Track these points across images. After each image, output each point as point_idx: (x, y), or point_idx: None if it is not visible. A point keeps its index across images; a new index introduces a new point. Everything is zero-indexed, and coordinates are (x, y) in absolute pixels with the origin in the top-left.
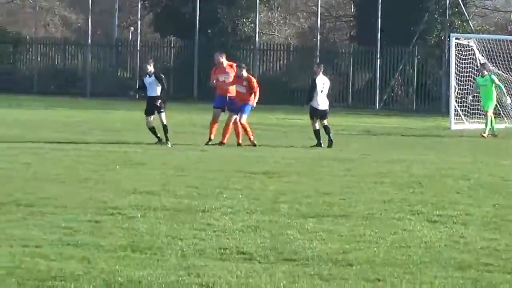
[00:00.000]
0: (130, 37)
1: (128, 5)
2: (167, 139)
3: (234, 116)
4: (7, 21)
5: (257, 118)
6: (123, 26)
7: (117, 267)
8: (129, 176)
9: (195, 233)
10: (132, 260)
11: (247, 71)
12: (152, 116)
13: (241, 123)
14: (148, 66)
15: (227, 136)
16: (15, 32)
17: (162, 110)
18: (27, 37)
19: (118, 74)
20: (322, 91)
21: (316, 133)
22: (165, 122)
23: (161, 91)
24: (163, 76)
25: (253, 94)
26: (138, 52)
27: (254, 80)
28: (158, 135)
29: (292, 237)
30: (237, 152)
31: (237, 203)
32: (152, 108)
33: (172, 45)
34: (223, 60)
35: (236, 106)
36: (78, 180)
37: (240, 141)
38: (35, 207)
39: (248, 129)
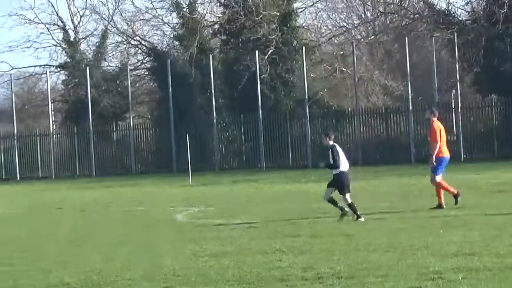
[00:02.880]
0: (453, 99)
1: (446, 67)
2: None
3: None
4: (328, 95)
5: None
6: (443, 89)
7: None
8: (452, 240)
9: None
10: None
11: None
12: None
13: None
14: None
15: None
16: (337, 105)
17: None
18: (349, 109)
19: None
20: None
21: None
22: None
23: None
24: None
25: None
26: (460, 114)
27: None
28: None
29: None
30: None
31: None
32: None
33: (493, 104)
34: None
35: None
36: (401, 248)
37: None
38: (356, 278)
39: None
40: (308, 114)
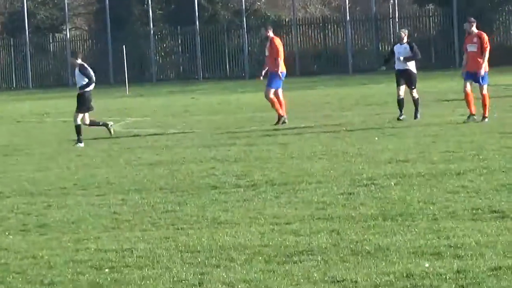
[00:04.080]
0: (390, 10)
1: None
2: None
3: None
4: (266, 6)
5: None
6: (381, 1)
7: (366, 236)
8: (386, 147)
9: (448, 196)
10: (382, 228)
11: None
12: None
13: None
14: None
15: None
16: (275, 15)
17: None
18: (286, 20)
19: (380, 49)
20: None
21: None
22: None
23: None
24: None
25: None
26: (397, 24)
27: (485, 37)
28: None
29: None
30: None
31: (493, 163)
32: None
33: (430, 14)
34: (474, 29)
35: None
36: (335, 155)
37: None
38: (289, 184)
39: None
40: (245, 25)
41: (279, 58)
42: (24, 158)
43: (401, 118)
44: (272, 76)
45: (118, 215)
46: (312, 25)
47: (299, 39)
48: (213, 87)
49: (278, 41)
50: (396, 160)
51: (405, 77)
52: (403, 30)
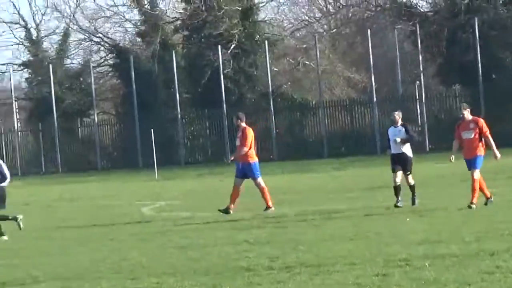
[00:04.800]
0: (416, 90)
1: (410, 59)
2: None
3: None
4: (293, 88)
5: None
6: (407, 81)
7: None
8: (418, 228)
9: (484, 276)
10: None
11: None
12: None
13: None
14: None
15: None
16: (301, 98)
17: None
18: (313, 102)
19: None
20: None
21: None
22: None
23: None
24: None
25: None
26: (424, 105)
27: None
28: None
29: None
30: None
31: None
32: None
33: (456, 95)
34: (468, 115)
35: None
36: (367, 237)
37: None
38: (323, 266)
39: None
40: (272, 108)
41: (248, 148)
42: (56, 242)
43: (398, 204)
44: (251, 167)
45: None
46: (339, 107)
47: (326, 121)
48: None
49: (250, 131)
50: (429, 241)
51: (401, 162)
52: (397, 112)
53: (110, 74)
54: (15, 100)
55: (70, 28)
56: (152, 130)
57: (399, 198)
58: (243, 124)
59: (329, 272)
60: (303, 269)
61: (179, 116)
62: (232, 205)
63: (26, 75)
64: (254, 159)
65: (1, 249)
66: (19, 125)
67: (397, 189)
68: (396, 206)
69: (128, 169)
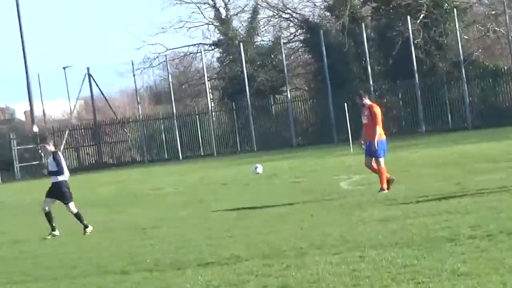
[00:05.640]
0: None
1: None
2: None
3: None
4: (484, 56)
5: None
6: None
7: None
8: None
9: None
10: None
11: None
12: None
13: None
14: None
15: None
16: (493, 65)
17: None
18: (505, 68)
19: None
20: None
21: None
22: None
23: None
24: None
25: None
26: None
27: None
28: None
29: None
30: None
31: None
32: None
33: None
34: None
35: None
36: None
37: None
38: None
39: None
40: (464, 76)
41: (378, 126)
42: (256, 221)
43: None
44: (377, 145)
45: (357, 272)
46: None
47: None
48: (436, 139)
49: (377, 108)
50: None
51: None
52: None
53: (301, 50)
54: (208, 80)
55: (258, 6)
56: (345, 104)
57: None
58: (368, 102)
59: None
60: (505, 236)
61: (372, 89)
62: (385, 185)
63: (217, 54)
64: (382, 137)
65: (210, 229)
66: (212, 105)
67: None
68: None
69: (322, 145)
